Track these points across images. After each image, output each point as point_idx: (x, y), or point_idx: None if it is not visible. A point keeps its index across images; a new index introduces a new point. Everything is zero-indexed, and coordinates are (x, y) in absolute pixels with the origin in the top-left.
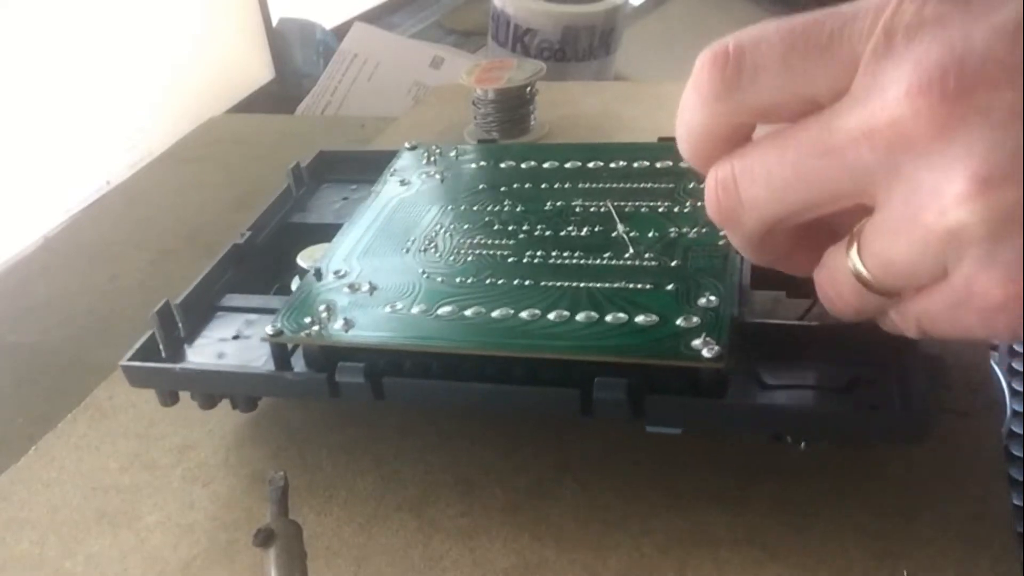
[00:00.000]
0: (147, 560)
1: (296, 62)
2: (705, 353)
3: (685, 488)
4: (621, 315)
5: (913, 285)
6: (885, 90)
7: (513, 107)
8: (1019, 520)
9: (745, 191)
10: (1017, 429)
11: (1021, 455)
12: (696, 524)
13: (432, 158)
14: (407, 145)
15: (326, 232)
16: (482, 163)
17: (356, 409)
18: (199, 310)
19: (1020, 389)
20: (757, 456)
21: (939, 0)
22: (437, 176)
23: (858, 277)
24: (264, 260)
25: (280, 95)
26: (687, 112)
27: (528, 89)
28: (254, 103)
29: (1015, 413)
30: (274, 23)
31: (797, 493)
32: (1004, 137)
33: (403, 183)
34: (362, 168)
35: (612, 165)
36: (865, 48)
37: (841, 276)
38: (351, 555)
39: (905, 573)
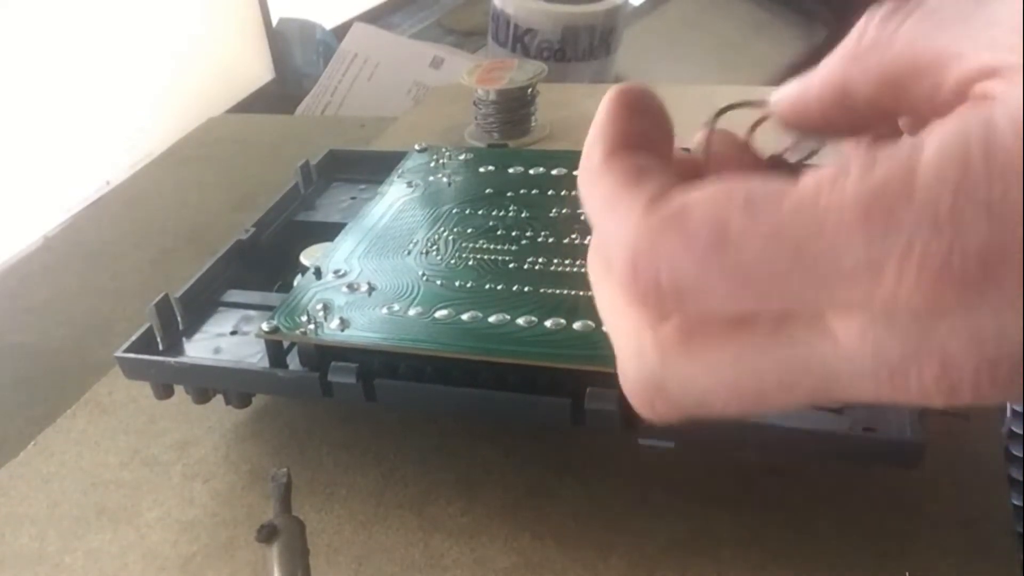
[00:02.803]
0: (147, 556)
1: (296, 62)
2: None
3: (686, 488)
4: None
5: None
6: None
7: (514, 108)
8: (1019, 520)
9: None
10: (1017, 429)
11: (1021, 455)
12: (697, 524)
13: (441, 161)
14: (416, 147)
15: (332, 231)
16: (490, 167)
17: (357, 407)
18: (200, 305)
19: None
20: (758, 456)
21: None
22: (444, 179)
23: None
24: (268, 257)
25: (280, 95)
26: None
27: (529, 90)
28: (254, 103)
29: (1015, 413)
30: (274, 23)
31: (798, 493)
32: None
33: (410, 185)
34: (372, 168)
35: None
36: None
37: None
38: (352, 553)
39: (907, 574)
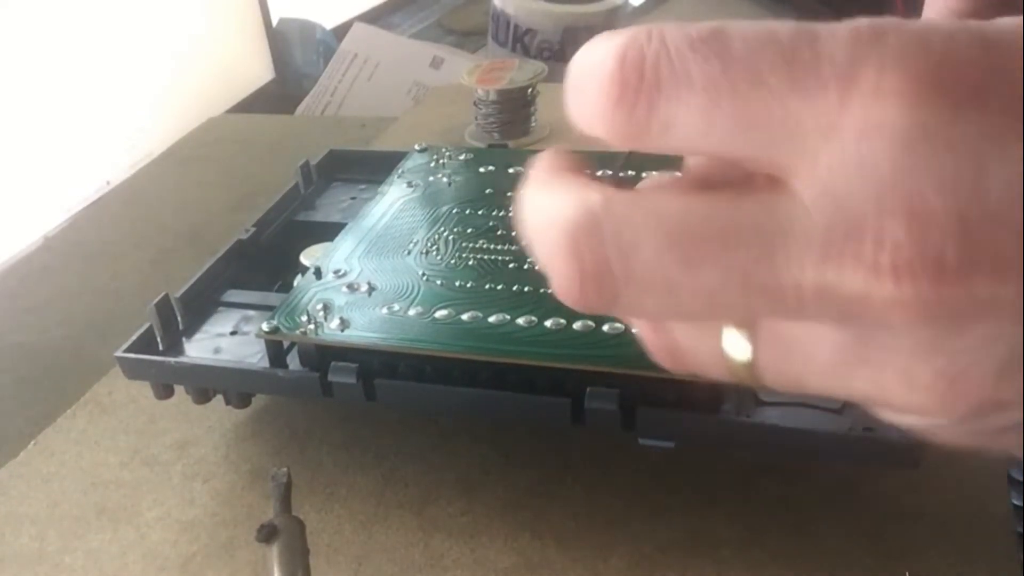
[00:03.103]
0: (147, 556)
1: (296, 62)
2: None
3: (686, 488)
4: (618, 325)
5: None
6: (859, 246)
7: (514, 108)
8: (1019, 520)
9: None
10: None
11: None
12: (697, 524)
13: (441, 161)
14: (417, 147)
15: (332, 231)
16: (490, 167)
17: (357, 406)
18: (200, 304)
19: None
20: (758, 456)
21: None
22: (444, 179)
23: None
24: (268, 257)
25: (280, 95)
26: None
27: (529, 90)
28: (254, 103)
29: None
30: (274, 23)
31: (798, 493)
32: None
33: (410, 185)
34: (372, 168)
35: (621, 175)
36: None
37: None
38: (352, 553)
39: (907, 574)
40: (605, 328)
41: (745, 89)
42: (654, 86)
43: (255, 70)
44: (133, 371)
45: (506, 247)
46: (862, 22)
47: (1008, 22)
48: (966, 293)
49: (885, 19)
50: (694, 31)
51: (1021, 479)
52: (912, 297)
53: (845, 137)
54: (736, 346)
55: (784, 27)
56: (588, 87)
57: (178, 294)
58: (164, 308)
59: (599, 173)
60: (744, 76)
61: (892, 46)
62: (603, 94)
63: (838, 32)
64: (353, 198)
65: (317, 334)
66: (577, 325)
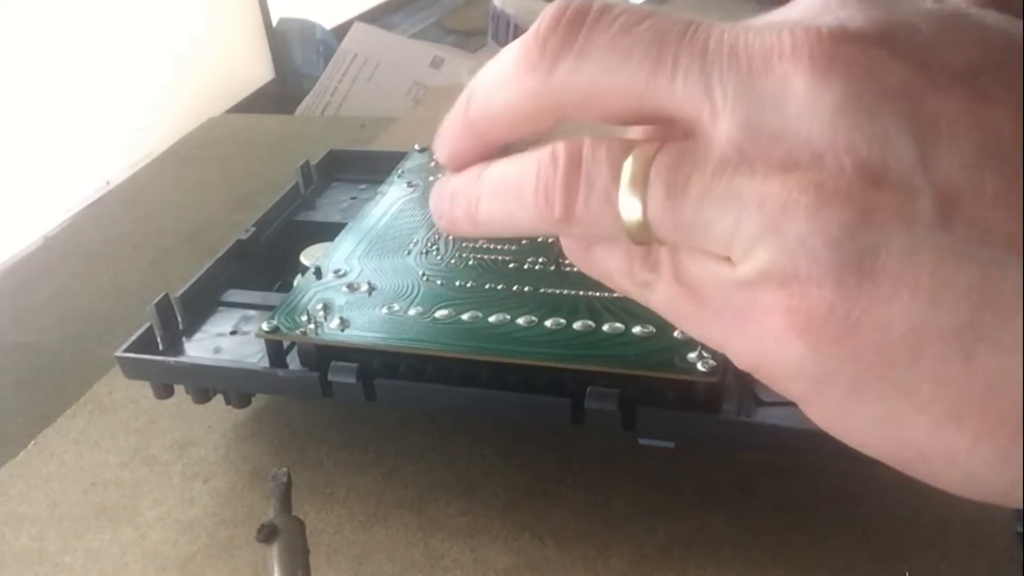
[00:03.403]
0: (147, 556)
1: (296, 62)
2: (700, 367)
3: (686, 488)
4: (618, 325)
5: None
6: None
7: None
8: (1019, 520)
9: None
10: None
11: None
12: (697, 524)
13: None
14: (417, 147)
15: (332, 231)
16: None
17: (357, 406)
18: (200, 304)
19: None
20: (758, 457)
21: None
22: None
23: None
24: (268, 257)
25: (280, 95)
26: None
27: None
28: (254, 103)
29: None
30: (274, 23)
31: (798, 493)
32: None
33: (410, 184)
34: (372, 168)
35: None
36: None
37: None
38: (352, 552)
39: (907, 574)
40: (605, 328)
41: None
42: (576, 23)
43: (255, 70)
44: (133, 371)
45: (506, 247)
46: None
47: None
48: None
49: None
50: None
51: None
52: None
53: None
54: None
55: None
56: (504, 58)
57: (178, 294)
58: (164, 308)
59: None
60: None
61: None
62: (524, 47)
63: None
64: (353, 198)
65: (317, 334)
66: (577, 325)
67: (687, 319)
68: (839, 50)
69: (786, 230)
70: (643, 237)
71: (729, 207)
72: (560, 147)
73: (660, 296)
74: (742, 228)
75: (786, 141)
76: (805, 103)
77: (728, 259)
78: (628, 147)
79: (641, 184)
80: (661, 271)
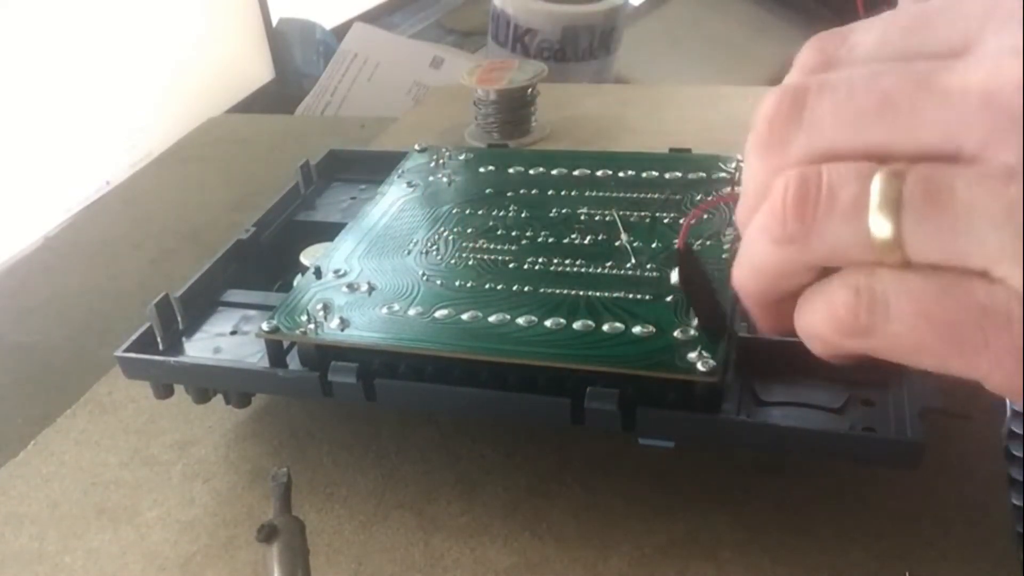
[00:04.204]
0: (147, 556)
1: (296, 62)
2: (700, 367)
3: (686, 488)
4: (618, 325)
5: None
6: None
7: (514, 108)
8: (1019, 520)
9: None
10: (1017, 429)
11: (1021, 455)
12: (697, 524)
13: (441, 161)
14: (416, 147)
15: (332, 231)
16: (490, 167)
17: (357, 406)
18: (200, 304)
19: None
20: (758, 457)
21: None
22: (444, 179)
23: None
24: (268, 257)
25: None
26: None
27: (529, 90)
28: (254, 103)
29: (1015, 413)
30: (274, 23)
31: (798, 494)
32: None
33: (410, 185)
34: (372, 168)
35: (620, 174)
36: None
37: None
38: (352, 553)
39: (907, 574)
40: (605, 328)
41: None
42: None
43: (255, 70)
44: (133, 371)
45: (506, 247)
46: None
47: None
48: None
49: None
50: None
51: (1021, 479)
52: None
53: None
54: (880, 223)
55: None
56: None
57: (178, 294)
58: (164, 308)
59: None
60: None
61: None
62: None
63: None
64: (353, 198)
65: (317, 334)
66: (577, 325)
67: (928, 352)
68: None
69: None
70: (891, 256)
71: (997, 221)
72: (797, 171)
73: (891, 332)
74: (1009, 243)
75: None
76: None
77: (985, 275)
78: (872, 167)
79: (894, 197)
80: (889, 306)
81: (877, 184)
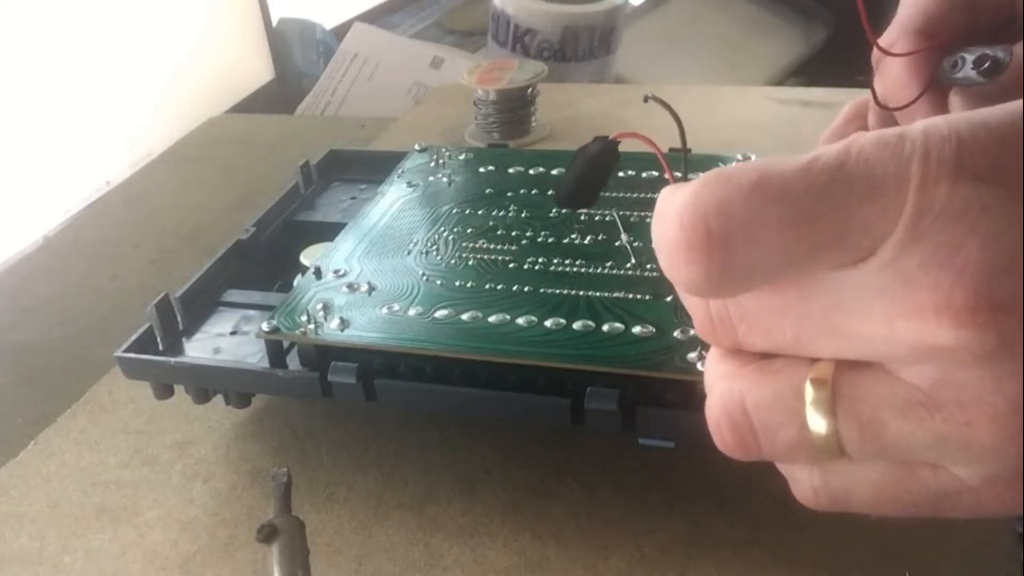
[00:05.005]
0: (147, 555)
1: (296, 62)
2: (700, 367)
3: (686, 488)
4: (618, 325)
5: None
6: (918, 301)
7: (514, 108)
8: (1019, 520)
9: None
10: None
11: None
12: (697, 524)
13: (441, 160)
14: (416, 147)
15: (332, 231)
16: (490, 167)
17: (357, 406)
18: (200, 304)
19: None
20: None
21: (975, 179)
22: (444, 179)
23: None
24: (268, 257)
25: (280, 95)
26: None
27: (529, 90)
28: (254, 103)
29: None
30: (274, 23)
31: None
32: None
33: (410, 184)
34: (372, 168)
35: (621, 174)
36: (887, 239)
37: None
38: (352, 552)
39: (907, 574)
40: (605, 328)
41: (818, 211)
42: (724, 237)
43: (255, 70)
44: (133, 371)
45: (506, 247)
46: (870, 134)
47: (1006, 108)
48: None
49: (890, 129)
50: (735, 183)
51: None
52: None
53: (909, 223)
54: (817, 419)
55: (813, 157)
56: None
57: (178, 294)
58: (164, 308)
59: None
60: (809, 203)
61: (921, 143)
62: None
63: (866, 144)
64: (353, 198)
65: (317, 334)
66: (577, 325)
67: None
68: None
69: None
70: (835, 454)
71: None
72: (727, 419)
73: (857, 505)
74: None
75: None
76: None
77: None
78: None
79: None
80: (849, 496)
81: (810, 393)
